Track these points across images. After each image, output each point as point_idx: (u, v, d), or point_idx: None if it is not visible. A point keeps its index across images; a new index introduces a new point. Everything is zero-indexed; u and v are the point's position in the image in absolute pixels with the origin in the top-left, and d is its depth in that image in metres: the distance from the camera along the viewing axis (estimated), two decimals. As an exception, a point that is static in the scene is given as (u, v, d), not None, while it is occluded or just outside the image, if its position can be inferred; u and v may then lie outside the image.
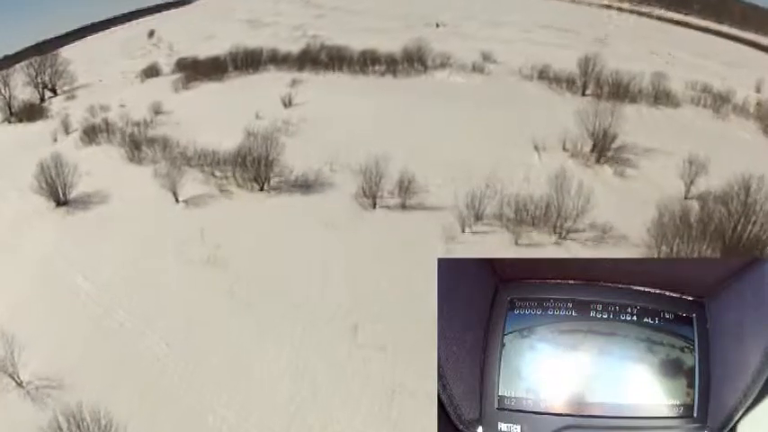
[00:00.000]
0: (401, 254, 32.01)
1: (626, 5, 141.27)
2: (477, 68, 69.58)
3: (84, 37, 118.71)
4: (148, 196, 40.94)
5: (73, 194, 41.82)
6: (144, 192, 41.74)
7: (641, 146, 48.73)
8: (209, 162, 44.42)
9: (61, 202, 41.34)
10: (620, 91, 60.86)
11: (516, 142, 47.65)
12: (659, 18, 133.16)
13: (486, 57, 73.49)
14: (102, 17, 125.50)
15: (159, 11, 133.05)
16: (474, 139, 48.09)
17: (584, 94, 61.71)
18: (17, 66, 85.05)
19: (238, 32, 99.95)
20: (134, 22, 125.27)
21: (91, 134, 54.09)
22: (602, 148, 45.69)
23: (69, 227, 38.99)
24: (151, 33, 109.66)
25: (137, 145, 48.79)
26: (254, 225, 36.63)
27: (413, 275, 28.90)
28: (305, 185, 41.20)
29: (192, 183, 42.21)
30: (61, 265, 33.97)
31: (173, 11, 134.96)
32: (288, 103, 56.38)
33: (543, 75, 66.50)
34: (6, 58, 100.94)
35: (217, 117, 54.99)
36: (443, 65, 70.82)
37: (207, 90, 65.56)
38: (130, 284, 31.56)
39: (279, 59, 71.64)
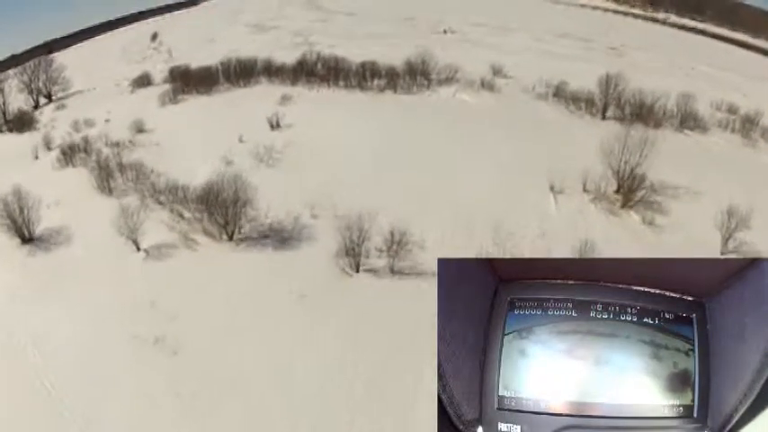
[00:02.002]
0: (381, 354, 24.20)
1: (639, 11, 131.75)
2: (486, 85, 60.06)
3: (91, 37, 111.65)
4: (111, 239, 34.04)
5: (40, 228, 36.13)
6: (108, 232, 34.78)
7: (671, 183, 40.85)
8: (178, 200, 36.91)
9: (26, 239, 35.80)
10: (642, 112, 52.32)
11: (529, 180, 39.52)
12: (672, 25, 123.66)
13: (497, 71, 64.22)
14: (113, 17, 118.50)
15: (163, 12, 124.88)
16: (480, 176, 39.95)
17: (604, 118, 53.13)
18: (11, 71, 78.17)
19: (240, 37, 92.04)
20: (139, 24, 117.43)
21: (68, 155, 47.47)
22: (629, 190, 37.35)
23: (29, 275, 33.01)
24: (154, 36, 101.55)
25: (109, 173, 41.73)
26: (216, 291, 29.11)
27: (395, 384, 21.40)
28: (279, 237, 33.30)
29: (159, 225, 35.30)
30: (14, 326, 28.41)
31: (177, 12, 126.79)
32: (275, 125, 48.20)
33: (559, 93, 57.50)
34: (14, 57, 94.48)
35: (198, 139, 47.44)
36: (449, 79, 61.62)
37: (194, 105, 57.60)
38: (77, 362, 26.02)
39: (272, 71, 62.92)
